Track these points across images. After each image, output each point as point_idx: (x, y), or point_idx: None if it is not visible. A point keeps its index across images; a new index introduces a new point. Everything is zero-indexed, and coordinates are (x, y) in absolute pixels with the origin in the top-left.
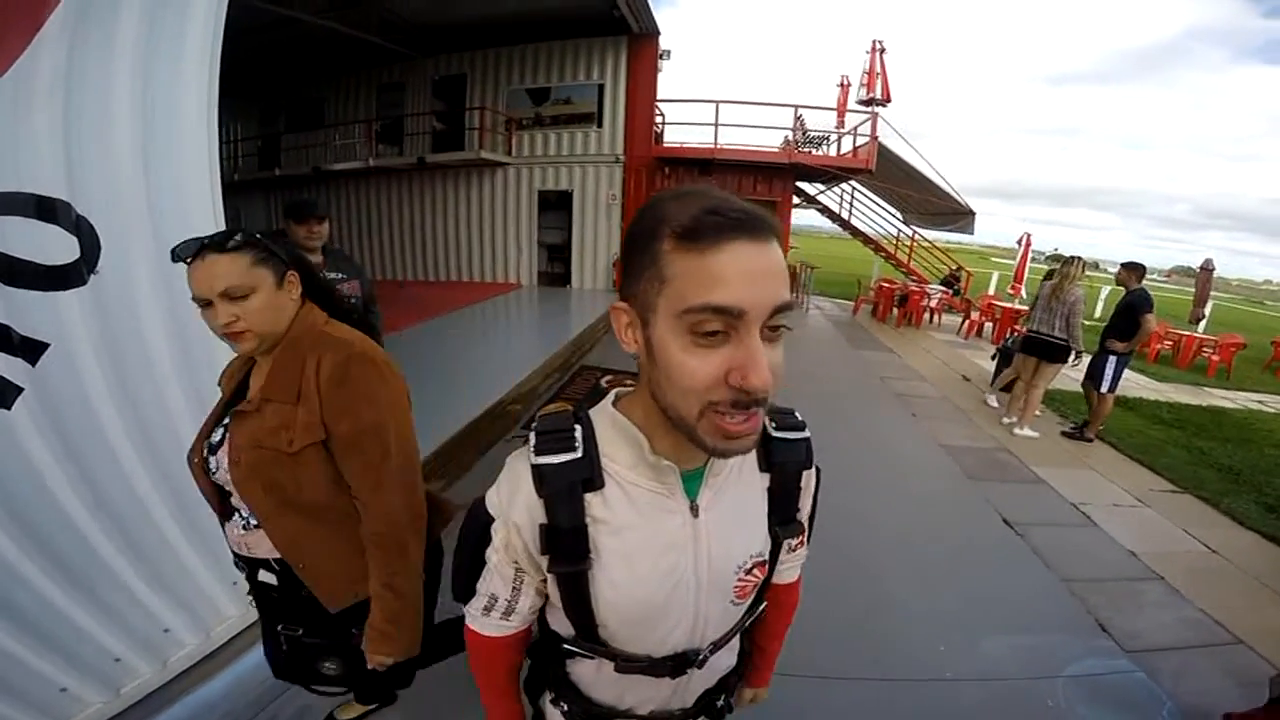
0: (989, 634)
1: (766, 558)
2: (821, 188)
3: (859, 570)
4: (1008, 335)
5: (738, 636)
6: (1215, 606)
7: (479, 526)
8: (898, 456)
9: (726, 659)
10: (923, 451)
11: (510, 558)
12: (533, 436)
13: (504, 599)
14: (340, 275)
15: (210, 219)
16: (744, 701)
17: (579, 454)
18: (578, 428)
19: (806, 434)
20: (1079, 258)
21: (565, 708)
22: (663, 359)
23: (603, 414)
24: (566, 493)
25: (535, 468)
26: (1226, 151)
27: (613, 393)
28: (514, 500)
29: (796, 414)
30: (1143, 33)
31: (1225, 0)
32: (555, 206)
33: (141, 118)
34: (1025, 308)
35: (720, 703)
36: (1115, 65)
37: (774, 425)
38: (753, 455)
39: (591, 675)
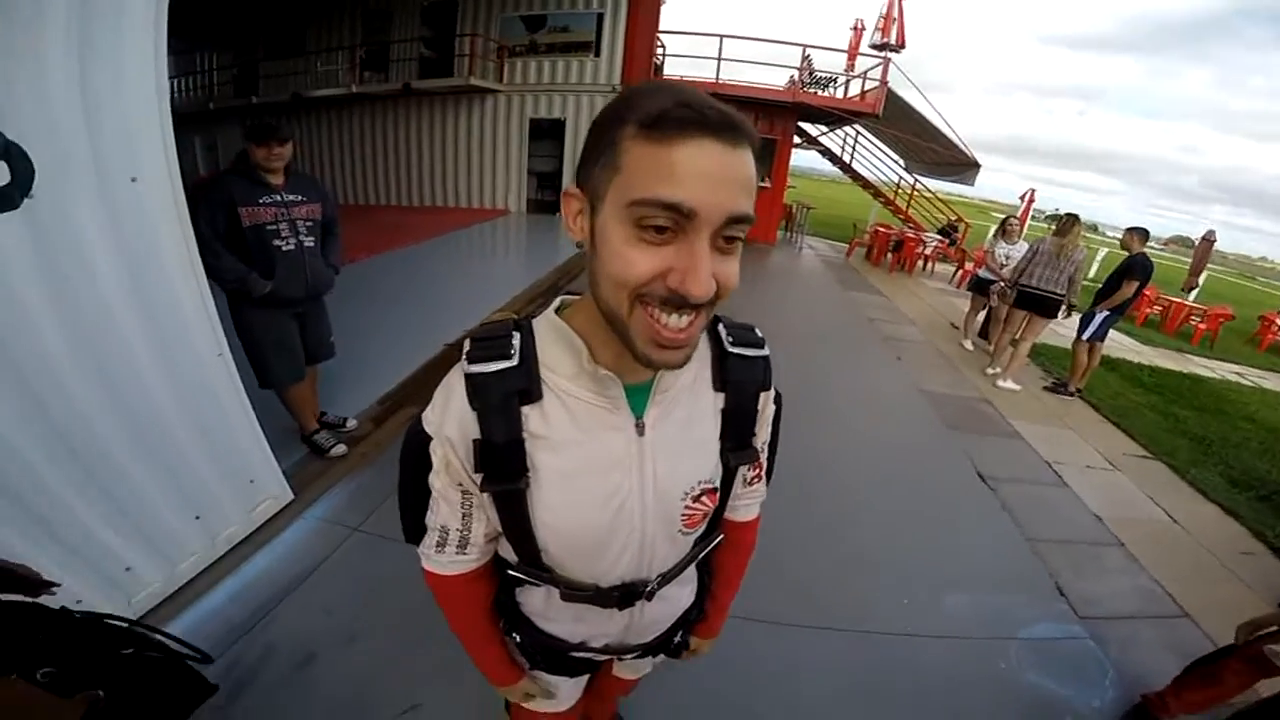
0: (952, 590)
1: (718, 485)
2: (824, 129)
3: (830, 515)
4: (975, 273)
5: (693, 569)
6: (1168, 577)
7: (417, 449)
8: (879, 400)
9: (681, 593)
10: (904, 396)
11: (454, 479)
12: (467, 344)
13: (455, 529)
14: (299, 198)
15: (159, 142)
16: (686, 655)
17: (514, 361)
18: (516, 334)
19: (765, 351)
20: (1077, 216)
21: (518, 639)
22: (603, 249)
23: (544, 321)
24: (501, 404)
25: (468, 376)
26: (1248, 129)
27: (558, 299)
28: (447, 414)
29: (756, 330)
30: (1190, 5)
31: None
32: (548, 135)
33: (79, 41)
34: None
35: (678, 639)
36: (1151, 35)
37: (730, 340)
38: (707, 372)
39: (540, 604)
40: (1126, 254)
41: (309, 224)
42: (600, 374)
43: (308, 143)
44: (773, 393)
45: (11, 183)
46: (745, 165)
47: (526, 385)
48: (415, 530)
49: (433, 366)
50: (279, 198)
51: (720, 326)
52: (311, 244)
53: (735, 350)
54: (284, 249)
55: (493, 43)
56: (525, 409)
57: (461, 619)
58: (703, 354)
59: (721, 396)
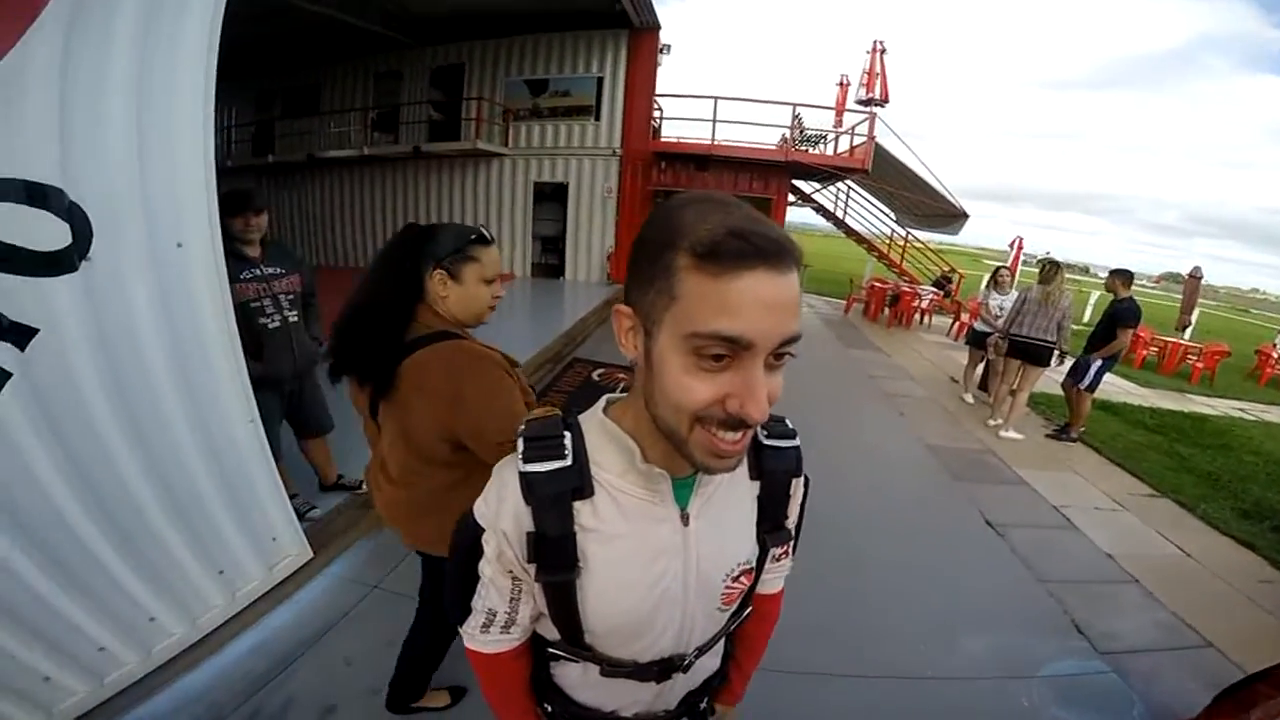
0: (968, 633)
1: (754, 565)
2: (817, 186)
3: (845, 567)
4: (971, 326)
5: (722, 640)
6: (1188, 610)
7: (469, 539)
8: (885, 455)
9: (711, 662)
10: (909, 451)
11: (505, 568)
12: (520, 443)
13: (503, 612)
14: (279, 270)
15: (204, 209)
16: None
17: (568, 461)
18: (567, 434)
19: (796, 442)
20: (1059, 263)
21: (549, 709)
22: (661, 374)
23: (593, 420)
24: (555, 500)
25: (522, 475)
26: (1221, 159)
27: (604, 399)
28: (501, 509)
29: (788, 421)
30: (1151, 40)
31: (1238, 9)
32: (550, 198)
33: (136, 107)
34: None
35: (704, 705)
36: (1120, 71)
37: (765, 433)
38: (744, 463)
39: (577, 678)
40: (1113, 297)
41: (290, 297)
42: (653, 472)
43: (323, 203)
44: (803, 478)
45: (71, 244)
46: (794, 288)
47: (579, 483)
48: (461, 611)
49: None
50: (259, 271)
51: None
52: (295, 319)
53: (770, 442)
54: (270, 327)
55: (498, 106)
56: (577, 504)
57: (501, 692)
58: None
59: (757, 484)
